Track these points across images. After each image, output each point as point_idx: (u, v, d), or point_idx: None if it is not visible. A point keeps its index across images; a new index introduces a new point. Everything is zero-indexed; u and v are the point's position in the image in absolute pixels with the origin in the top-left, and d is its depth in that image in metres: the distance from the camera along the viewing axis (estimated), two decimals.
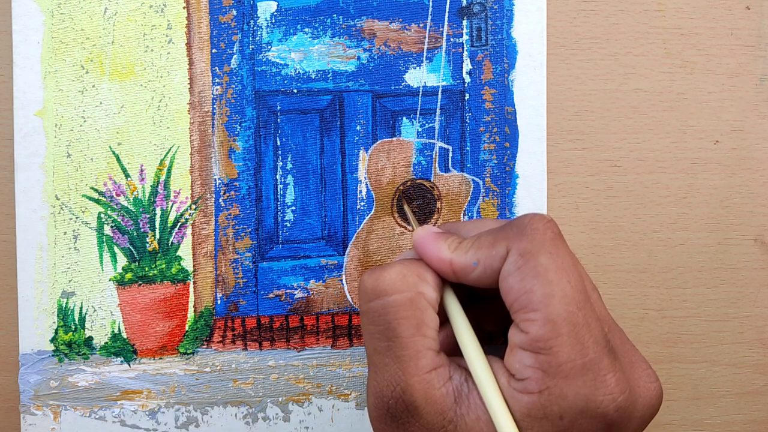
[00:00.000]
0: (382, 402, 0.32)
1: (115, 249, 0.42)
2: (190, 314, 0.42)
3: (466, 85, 0.43)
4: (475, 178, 0.43)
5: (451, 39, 0.43)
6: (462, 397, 0.31)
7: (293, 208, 0.43)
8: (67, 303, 0.42)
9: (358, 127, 0.43)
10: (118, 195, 0.42)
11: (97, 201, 0.42)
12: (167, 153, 0.42)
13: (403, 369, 0.31)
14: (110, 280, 0.42)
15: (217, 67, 0.42)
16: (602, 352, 0.30)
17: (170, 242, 0.42)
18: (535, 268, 0.30)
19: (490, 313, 0.36)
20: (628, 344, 0.33)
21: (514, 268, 0.31)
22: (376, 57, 0.42)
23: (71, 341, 0.42)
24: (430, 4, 0.42)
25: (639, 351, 0.34)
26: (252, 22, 0.42)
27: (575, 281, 0.31)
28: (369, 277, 0.33)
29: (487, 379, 0.31)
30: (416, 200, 0.43)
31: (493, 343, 0.37)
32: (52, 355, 0.42)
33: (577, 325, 0.30)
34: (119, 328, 0.42)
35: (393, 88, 0.43)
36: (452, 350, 0.34)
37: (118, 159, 0.42)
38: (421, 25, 0.42)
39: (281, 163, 0.43)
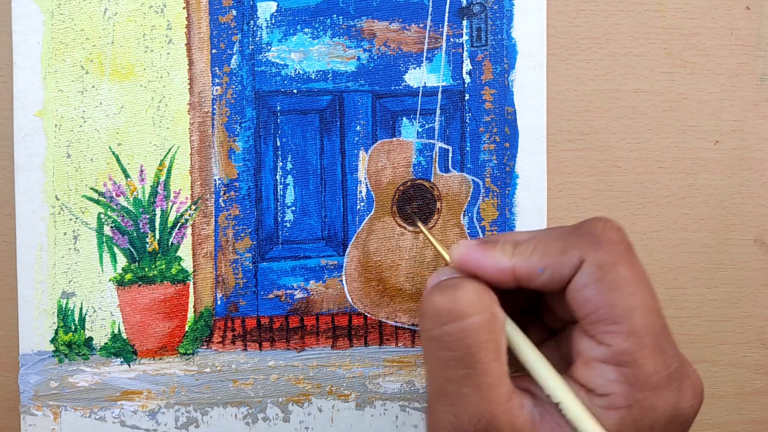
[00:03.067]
0: None
1: (115, 249, 0.42)
2: (190, 315, 0.42)
3: (466, 85, 0.43)
4: (475, 179, 0.43)
5: (451, 39, 0.43)
6: (536, 422, 0.30)
7: (293, 208, 0.43)
8: (67, 303, 0.42)
9: (358, 128, 0.43)
10: (118, 195, 0.42)
11: (97, 201, 0.42)
12: (167, 153, 0.42)
13: (487, 399, 0.29)
14: (110, 280, 0.42)
15: (217, 68, 0.42)
16: (680, 360, 0.30)
17: (170, 243, 0.42)
18: (615, 281, 0.29)
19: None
20: (673, 341, 0.32)
21: (592, 279, 0.30)
22: (376, 57, 0.42)
23: (71, 342, 0.42)
24: (430, 4, 0.42)
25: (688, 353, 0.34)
26: (252, 22, 0.42)
27: (653, 291, 0.30)
28: (441, 298, 0.30)
29: (576, 405, 0.29)
30: (416, 200, 0.43)
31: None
32: (52, 356, 0.42)
33: (659, 336, 0.29)
34: (119, 329, 0.42)
35: (393, 88, 0.43)
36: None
37: (118, 159, 0.42)
38: (421, 25, 0.42)
39: (281, 164, 0.43)
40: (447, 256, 0.34)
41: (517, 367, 0.32)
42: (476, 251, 0.32)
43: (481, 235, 0.43)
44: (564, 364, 0.33)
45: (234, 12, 0.42)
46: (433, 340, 0.30)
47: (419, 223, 0.40)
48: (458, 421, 0.29)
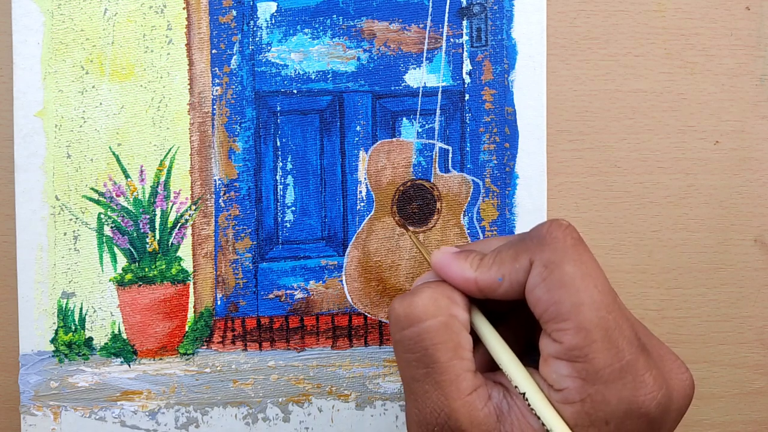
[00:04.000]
0: (427, 430, 0.32)
1: (115, 249, 0.42)
2: (190, 315, 0.42)
3: (465, 85, 0.43)
4: (475, 179, 0.43)
5: (451, 39, 0.43)
6: (504, 414, 0.31)
7: (293, 208, 0.43)
8: (67, 304, 0.42)
9: (358, 128, 0.43)
10: (118, 195, 0.42)
11: (97, 201, 0.42)
12: (167, 153, 0.42)
13: (445, 394, 0.31)
14: (110, 280, 0.42)
15: (217, 68, 0.42)
16: (637, 353, 0.30)
17: (170, 243, 0.42)
18: (560, 278, 0.30)
19: (514, 327, 0.36)
20: (654, 339, 0.33)
21: (540, 279, 0.31)
22: (375, 57, 0.42)
23: (71, 342, 0.42)
24: (430, 4, 0.42)
25: (665, 344, 0.33)
26: (252, 22, 0.42)
27: (602, 285, 0.31)
28: (400, 305, 0.32)
29: (535, 393, 0.31)
30: (416, 201, 0.43)
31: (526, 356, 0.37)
32: (53, 356, 0.42)
33: (610, 329, 0.30)
34: (119, 329, 0.42)
35: (393, 88, 0.43)
36: (484, 368, 0.34)
37: (118, 159, 0.42)
38: (421, 25, 0.42)
39: (281, 164, 0.43)
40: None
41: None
42: (448, 260, 0.34)
43: (481, 236, 0.43)
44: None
45: (234, 12, 0.42)
46: (396, 343, 0.33)
47: (409, 229, 0.41)
48: (422, 414, 0.32)
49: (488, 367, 0.34)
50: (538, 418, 0.30)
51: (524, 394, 0.31)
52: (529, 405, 0.31)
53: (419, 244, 0.39)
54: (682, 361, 0.33)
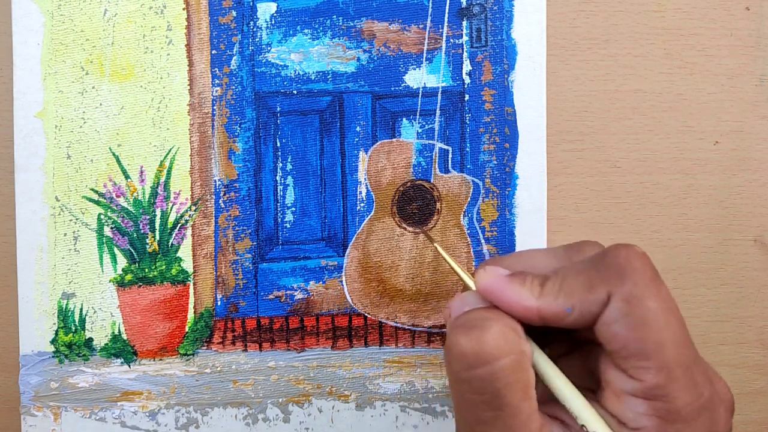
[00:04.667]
0: None
1: (115, 250, 0.42)
2: (190, 315, 0.42)
3: (465, 86, 0.43)
4: (475, 179, 0.43)
5: (451, 40, 0.43)
6: None
7: (293, 209, 0.43)
8: (67, 304, 0.42)
9: (358, 128, 0.43)
10: (118, 196, 0.42)
11: (97, 202, 0.42)
12: (167, 154, 0.42)
13: None
14: (110, 281, 0.42)
15: (216, 69, 0.42)
16: (711, 389, 0.29)
17: (170, 243, 0.42)
18: (643, 315, 0.29)
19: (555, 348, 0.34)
20: (702, 359, 0.32)
21: (620, 315, 0.29)
22: (375, 58, 0.42)
23: (71, 342, 0.42)
24: (430, 5, 0.42)
25: (709, 364, 0.32)
26: (252, 23, 0.42)
27: (681, 321, 0.30)
28: (467, 341, 0.29)
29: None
30: (416, 201, 0.43)
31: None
32: (53, 357, 0.42)
33: (690, 367, 0.29)
34: (119, 330, 0.42)
35: (393, 89, 0.43)
36: (540, 401, 0.32)
37: (118, 160, 0.42)
38: (421, 26, 0.42)
39: (281, 164, 0.43)
40: (471, 284, 0.33)
41: (546, 392, 0.32)
42: (502, 284, 0.31)
43: (481, 236, 0.43)
44: (589, 377, 0.33)
45: (234, 13, 0.42)
46: (460, 382, 0.30)
47: (437, 247, 0.37)
48: None
49: (543, 399, 0.32)
50: None
51: None
52: None
53: (453, 262, 0.36)
54: (724, 381, 0.32)
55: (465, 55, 0.43)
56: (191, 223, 0.42)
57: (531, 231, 0.43)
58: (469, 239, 0.43)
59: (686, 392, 0.29)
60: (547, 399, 0.32)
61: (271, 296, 0.43)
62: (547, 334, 0.33)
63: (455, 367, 0.30)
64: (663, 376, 0.29)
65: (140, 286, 0.42)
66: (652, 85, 0.44)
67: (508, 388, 0.29)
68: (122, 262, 0.42)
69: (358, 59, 0.42)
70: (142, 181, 0.42)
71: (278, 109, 0.42)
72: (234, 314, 0.43)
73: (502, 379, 0.29)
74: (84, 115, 0.41)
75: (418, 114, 0.43)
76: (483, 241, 0.43)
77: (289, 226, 0.43)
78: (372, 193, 0.43)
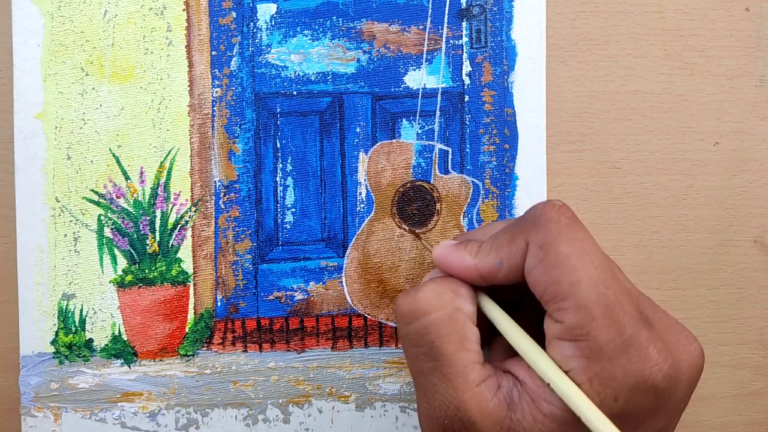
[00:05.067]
0: (437, 423, 0.32)
1: (116, 251, 0.42)
2: (190, 316, 0.42)
3: (465, 86, 0.43)
4: (475, 180, 0.43)
5: (451, 41, 0.43)
6: (515, 403, 0.31)
7: (293, 210, 0.43)
8: (67, 305, 0.42)
9: (358, 129, 0.43)
10: (118, 197, 0.42)
11: (98, 203, 0.42)
12: (167, 155, 0.42)
13: (454, 387, 0.31)
14: (110, 282, 0.42)
15: (216, 70, 0.42)
16: (639, 326, 0.30)
17: (170, 244, 0.42)
18: (556, 258, 0.30)
19: (527, 315, 0.35)
20: (660, 311, 0.33)
21: (536, 261, 0.31)
22: (375, 59, 0.42)
23: (72, 343, 0.42)
24: (430, 6, 0.42)
25: (671, 315, 0.33)
26: (252, 24, 0.42)
27: (598, 262, 0.31)
28: (404, 300, 0.33)
29: (566, 382, 0.30)
30: (416, 202, 0.43)
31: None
32: (53, 357, 0.42)
33: (609, 305, 0.30)
34: (119, 330, 0.42)
35: (392, 90, 0.43)
36: (500, 359, 0.34)
37: (118, 161, 0.42)
38: (421, 27, 0.43)
39: (281, 165, 0.43)
40: None
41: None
42: (447, 252, 0.34)
43: None
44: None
45: (234, 14, 0.42)
46: (402, 338, 0.33)
47: (414, 230, 0.40)
48: (432, 408, 0.32)
49: (505, 358, 0.34)
50: (551, 401, 0.30)
51: (548, 383, 0.30)
52: (550, 387, 0.30)
53: (425, 243, 0.39)
54: (689, 332, 0.32)
55: (465, 56, 0.43)
56: (191, 224, 0.42)
57: None
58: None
59: (606, 329, 0.29)
60: (507, 356, 0.33)
61: (271, 297, 0.43)
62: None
63: (398, 325, 0.33)
64: (581, 315, 0.29)
65: (140, 286, 0.42)
66: (652, 86, 0.44)
67: (442, 340, 0.31)
68: (122, 263, 0.42)
69: (358, 60, 0.42)
70: (142, 182, 0.42)
71: (278, 110, 0.42)
72: (234, 315, 0.43)
73: (434, 332, 0.32)
74: (84, 116, 0.41)
75: (417, 115, 0.43)
76: None
77: (289, 227, 0.43)
78: (372, 194, 0.43)
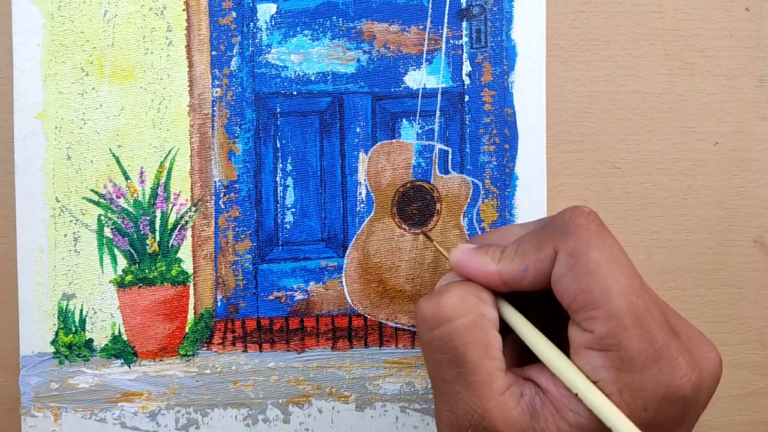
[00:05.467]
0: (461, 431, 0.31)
1: (116, 251, 0.42)
2: (190, 316, 0.42)
3: (465, 86, 0.43)
4: (475, 180, 0.43)
5: (451, 41, 0.43)
6: (537, 411, 0.30)
7: (293, 210, 0.43)
8: (67, 305, 0.42)
9: (358, 129, 0.43)
10: (118, 197, 0.42)
11: (98, 203, 0.42)
12: (167, 155, 0.42)
13: (478, 395, 0.30)
14: (110, 282, 0.42)
15: (216, 70, 0.42)
16: (668, 336, 0.30)
17: (170, 244, 0.42)
18: (587, 266, 0.30)
19: (537, 319, 0.35)
20: (681, 320, 0.33)
21: (566, 269, 0.30)
22: (375, 59, 0.42)
23: (72, 343, 0.42)
24: (430, 6, 0.42)
25: (690, 323, 0.33)
26: (252, 24, 0.42)
27: (629, 270, 0.30)
28: (427, 305, 0.32)
29: (587, 386, 0.30)
30: (416, 202, 0.43)
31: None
32: (53, 357, 0.42)
33: (640, 315, 0.29)
34: (119, 330, 0.42)
35: (392, 90, 0.43)
36: (512, 365, 0.33)
37: (118, 161, 0.42)
38: (421, 27, 0.43)
39: (281, 165, 0.43)
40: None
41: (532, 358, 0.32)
42: (467, 256, 0.33)
43: None
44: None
45: (234, 14, 0.42)
46: (425, 344, 0.32)
47: (423, 231, 0.40)
48: (455, 416, 0.31)
49: (516, 363, 0.33)
50: (576, 411, 0.29)
51: (576, 393, 0.30)
52: (578, 397, 0.30)
53: (437, 244, 0.38)
54: (708, 339, 0.32)
55: (465, 56, 0.43)
56: (191, 224, 0.42)
57: None
58: (469, 240, 0.43)
59: (638, 339, 0.29)
60: (522, 363, 0.33)
61: (271, 297, 0.43)
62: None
63: (420, 330, 0.32)
64: (612, 324, 0.29)
65: (140, 286, 0.42)
66: (652, 86, 0.44)
67: (466, 346, 0.31)
68: (122, 262, 0.42)
69: (358, 60, 0.42)
70: (142, 182, 0.42)
71: (278, 110, 0.42)
72: (234, 315, 0.43)
73: (459, 339, 0.31)
74: (84, 116, 0.41)
75: (417, 115, 0.43)
76: None
77: (289, 227, 0.43)
78: (372, 194, 0.43)
